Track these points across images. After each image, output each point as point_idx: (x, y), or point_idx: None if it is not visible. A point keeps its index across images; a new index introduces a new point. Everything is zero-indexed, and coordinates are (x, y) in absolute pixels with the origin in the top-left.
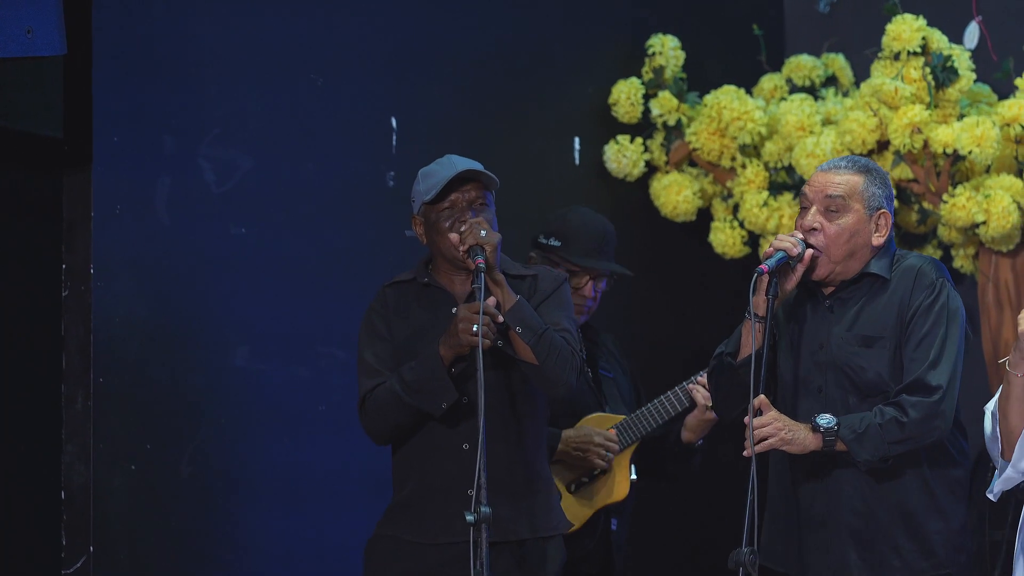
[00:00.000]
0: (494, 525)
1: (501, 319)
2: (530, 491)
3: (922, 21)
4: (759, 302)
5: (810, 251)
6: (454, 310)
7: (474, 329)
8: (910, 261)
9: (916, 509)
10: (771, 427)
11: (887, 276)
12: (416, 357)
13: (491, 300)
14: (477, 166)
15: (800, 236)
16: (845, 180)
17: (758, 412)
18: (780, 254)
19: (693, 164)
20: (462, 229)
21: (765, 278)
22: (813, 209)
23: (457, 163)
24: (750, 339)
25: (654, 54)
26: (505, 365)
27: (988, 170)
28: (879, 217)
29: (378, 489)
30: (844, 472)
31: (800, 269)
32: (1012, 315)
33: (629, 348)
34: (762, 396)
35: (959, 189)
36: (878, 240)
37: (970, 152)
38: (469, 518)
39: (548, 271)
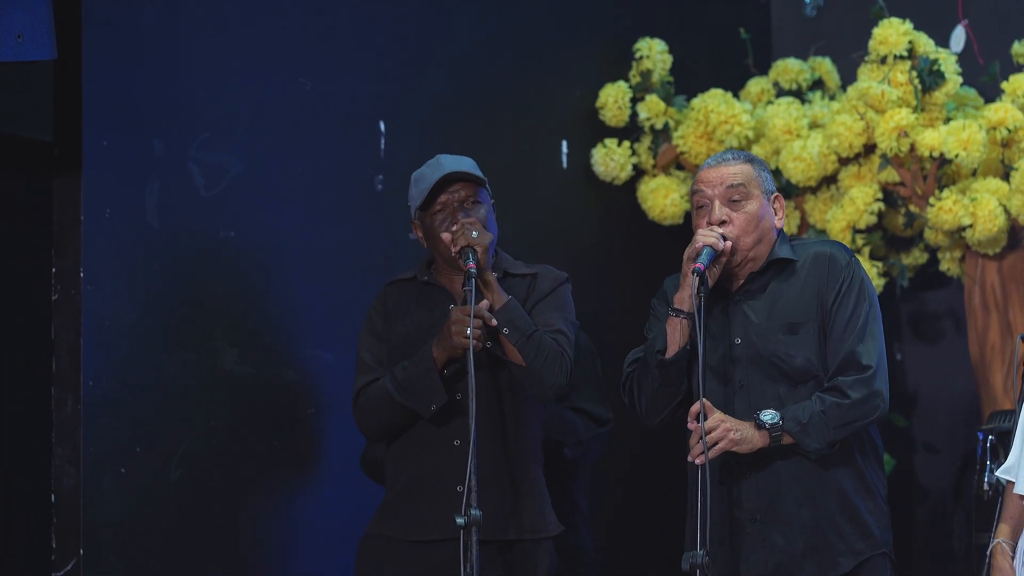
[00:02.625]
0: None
1: (495, 322)
2: (518, 492)
3: (908, 25)
4: (684, 298)
5: (729, 243)
6: (450, 308)
7: (467, 332)
8: (816, 247)
9: (850, 491)
10: (720, 430)
11: (795, 258)
12: (415, 355)
13: (484, 303)
14: (465, 164)
15: (719, 229)
16: (739, 169)
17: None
18: (708, 249)
19: (680, 167)
20: (453, 229)
21: (698, 277)
22: (716, 203)
23: (444, 164)
24: (676, 335)
25: (641, 58)
26: (497, 366)
27: (974, 173)
28: (775, 200)
29: (368, 491)
30: (777, 462)
31: (723, 260)
32: (998, 318)
33: (615, 350)
34: (705, 399)
35: (945, 192)
36: (779, 223)
37: (956, 155)
38: (459, 521)
39: (549, 270)
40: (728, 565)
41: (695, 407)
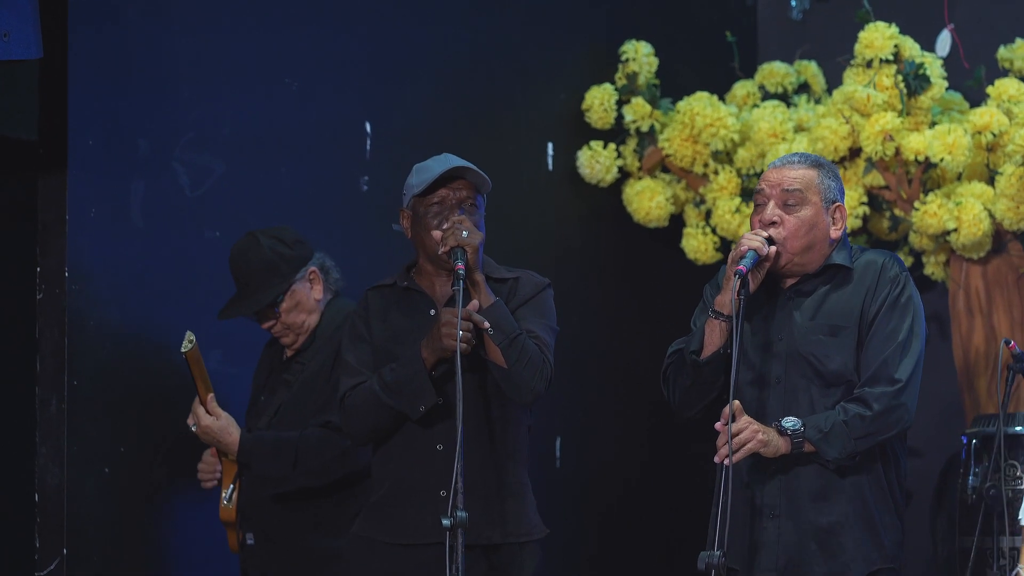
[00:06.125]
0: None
1: (487, 325)
2: (503, 495)
3: (894, 29)
4: (725, 301)
5: (774, 248)
6: (432, 312)
7: (456, 335)
8: (871, 255)
9: (869, 500)
10: (748, 432)
11: (850, 265)
12: (395, 360)
13: (473, 305)
14: (472, 167)
15: (764, 234)
16: (801, 174)
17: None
18: (752, 253)
19: (666, 170)
20: (445, 227)
21: (739, 280)
22: (771, 203)
23: (452, 161)
24: (714, 338)
25: (627, 60)
26: (482, 369)
27: (959, 178)
28: (835, 210)
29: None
30: (802, 464)
31: (766, 266)
32: (982, 322)
33: (600, 352)
34: (736, 401)
35: (930, 196)
36: (835, 233)
37: (941, 160)
38: (445, 522)
39: (531, 276)
40: (744, 558)
41: (726, 409)
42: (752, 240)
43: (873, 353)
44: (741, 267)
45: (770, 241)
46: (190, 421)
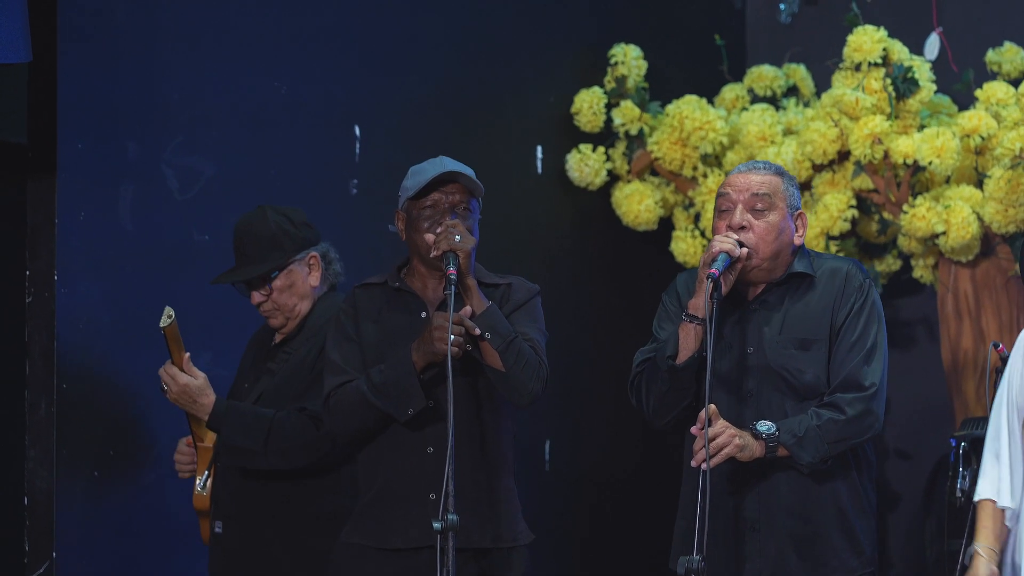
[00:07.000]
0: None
1: (478, 331)
2: (492, 500)
3: (883, 32)
4: (699, 304)
5: (746, 250)
6: (424, 315)
7: (447, 339)
8: (833, 263)
9: (847, 508)
10: (725, 436)
11: (812, 273)
12: (383, 361)
13: (466, 310)
14: (467, 170)
15: (735, 236)
16: (768, 179)
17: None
18: (724, 255)
19: (655, 173)
20: (438, 231)
21: (711, 282)
22: (739, 208)
23: (447, 164)
24: (690, 341)
25: (616, 63)
26: (473, 373)
27: (948, 181)
28: (798, 217)
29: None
30: (779, 475)
31: (739, 267)
32: (971, 325)
33: (589, 354)
34: (712, 405)
35: (919, 199)
36: (798, 240)
37: (930, 163)
38: (436, 526)
39: (523, 282)
40: (727, 571)
41: (702, 413)
42: (723, 242)
43: (842, 360)
44: (713, 270)
45: (740, 244)
46: (163, 383)
